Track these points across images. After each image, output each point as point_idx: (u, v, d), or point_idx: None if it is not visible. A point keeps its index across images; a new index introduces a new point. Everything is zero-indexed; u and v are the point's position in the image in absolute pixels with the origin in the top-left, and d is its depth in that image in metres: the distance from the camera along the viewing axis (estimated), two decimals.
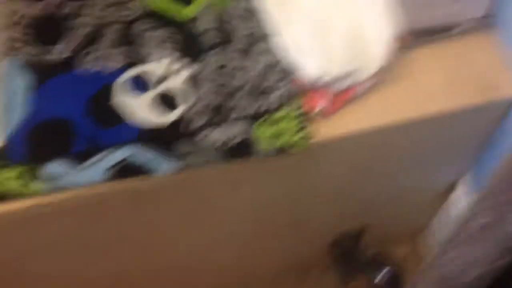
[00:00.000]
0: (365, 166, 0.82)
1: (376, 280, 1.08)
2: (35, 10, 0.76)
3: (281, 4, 0.73)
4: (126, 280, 0.93)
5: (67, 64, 0.72)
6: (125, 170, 0.66)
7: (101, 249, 0.80)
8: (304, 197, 0.86)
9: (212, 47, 0.73)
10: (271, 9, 0.74)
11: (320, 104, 0.69)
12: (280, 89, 0.70)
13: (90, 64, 0.72)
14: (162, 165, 0.66)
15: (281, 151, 0.68)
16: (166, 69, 0.72)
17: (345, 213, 0.97)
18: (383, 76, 0.72)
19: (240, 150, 0.67)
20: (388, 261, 1.10)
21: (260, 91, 0.70)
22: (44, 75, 0.71)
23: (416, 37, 0.75)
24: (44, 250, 0.76)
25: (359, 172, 0.84)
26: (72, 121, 0.67)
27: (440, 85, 0.75)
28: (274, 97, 0.69)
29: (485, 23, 0.78)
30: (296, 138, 0.68)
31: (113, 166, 0.65)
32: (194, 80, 0.71)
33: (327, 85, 0.69)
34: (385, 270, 1.08)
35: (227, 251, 0.96)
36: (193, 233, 0.86)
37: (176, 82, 0.71)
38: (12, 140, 0.65)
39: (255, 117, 0.68)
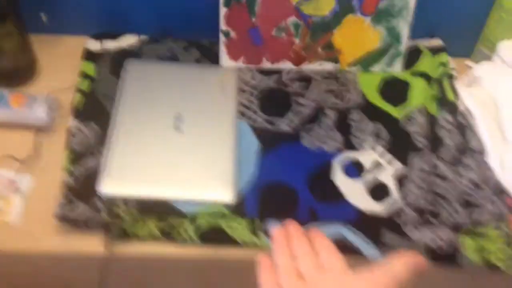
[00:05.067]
0: None
1: None
2: (267, 82, 0.86)
3: (495, 124, 0.80)
4: None
5: (291, 136, 0.80)
6: (337, 246, 0.70)
7: None
8: None
9: (419, 150, 0.80)
10: (484, 126, 0.80)
11: None
12: (491, 205, 0.74)
13: (311, 140, 0.80)
14: (369, 251, 0.71)
15: (487, 265, 0.70)
16: (377, 160, 0.79)
17: None
18: None
19: (445, 255, 0.71)
20: None
21: (470, 203, 0.75)
22: (271, 142, 0.79)
23: None
24: None
25: None
26: (296, 189, 0.75)
27: None
28: (485, 212, 0.74)
29: None
30: (502, 256, 0.70)
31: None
32: (400, 177, 0.77)
33: None
34: None
35: None
36: None
37: (386, 175, 0.77)
38: (245, 195, 0.73)
39: (462, 227, 0.73)
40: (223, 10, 0.83)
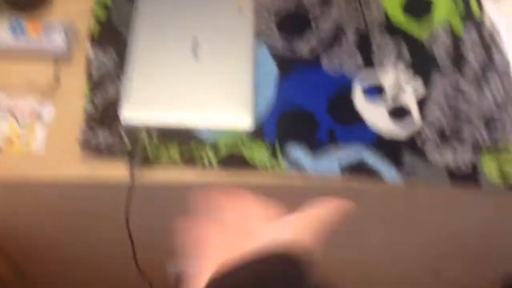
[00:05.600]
0: None
1: None
2: (286, 4, 0.84)
3: None
4: None
5: (310, 60, 0.79)
6: (357, 169, 0.71)
7: None
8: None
9: (442, 69, 0.78)
10: (510, 43, 0.77)
11: None
12: None
13: (331, 63, 0.78)
14: (389, 173, 0.71)
15: (508, 185, 0.70)
16: (398, 81, 0.77)
17: None
18: None
19: (468, 177, 0.71)
20: None
21: (493, 123, 0.74)
22: (290, 66, 0.77)
23: None
24: None
25: None
26: (315, 114, 0.74)
27: None
28: (508, 131, 0.72)
29: None
30: None
31: (348, 163, 0.72)
32: (422, 98, 0.76)
33: None
34: None
35: (407, 266, 1.01)
36: (388, 240, 0.92)
37: (408, 96, 0.76)
38: (264, 120, 0.73)
39: (484, 147, 0.72)
40: None
